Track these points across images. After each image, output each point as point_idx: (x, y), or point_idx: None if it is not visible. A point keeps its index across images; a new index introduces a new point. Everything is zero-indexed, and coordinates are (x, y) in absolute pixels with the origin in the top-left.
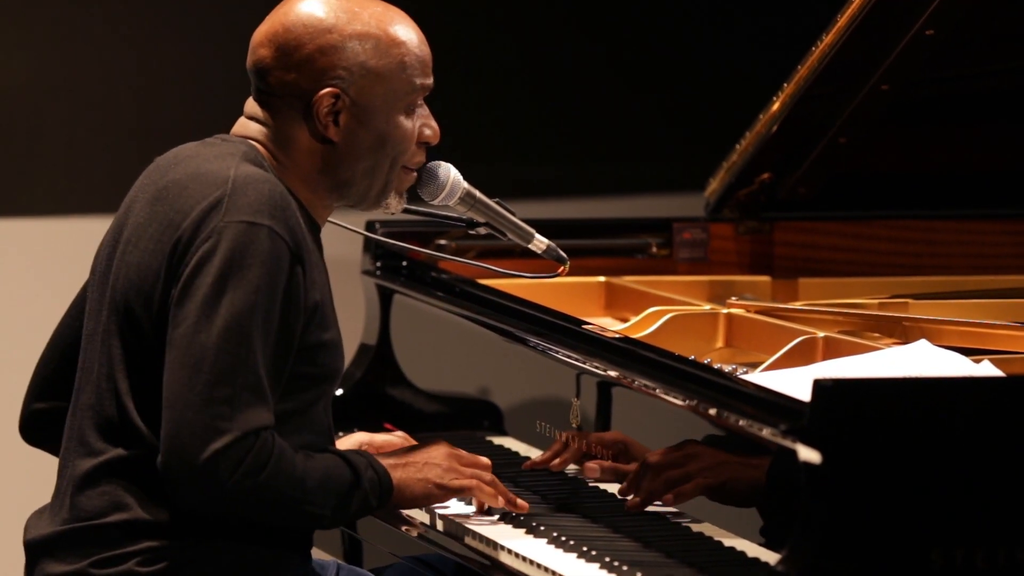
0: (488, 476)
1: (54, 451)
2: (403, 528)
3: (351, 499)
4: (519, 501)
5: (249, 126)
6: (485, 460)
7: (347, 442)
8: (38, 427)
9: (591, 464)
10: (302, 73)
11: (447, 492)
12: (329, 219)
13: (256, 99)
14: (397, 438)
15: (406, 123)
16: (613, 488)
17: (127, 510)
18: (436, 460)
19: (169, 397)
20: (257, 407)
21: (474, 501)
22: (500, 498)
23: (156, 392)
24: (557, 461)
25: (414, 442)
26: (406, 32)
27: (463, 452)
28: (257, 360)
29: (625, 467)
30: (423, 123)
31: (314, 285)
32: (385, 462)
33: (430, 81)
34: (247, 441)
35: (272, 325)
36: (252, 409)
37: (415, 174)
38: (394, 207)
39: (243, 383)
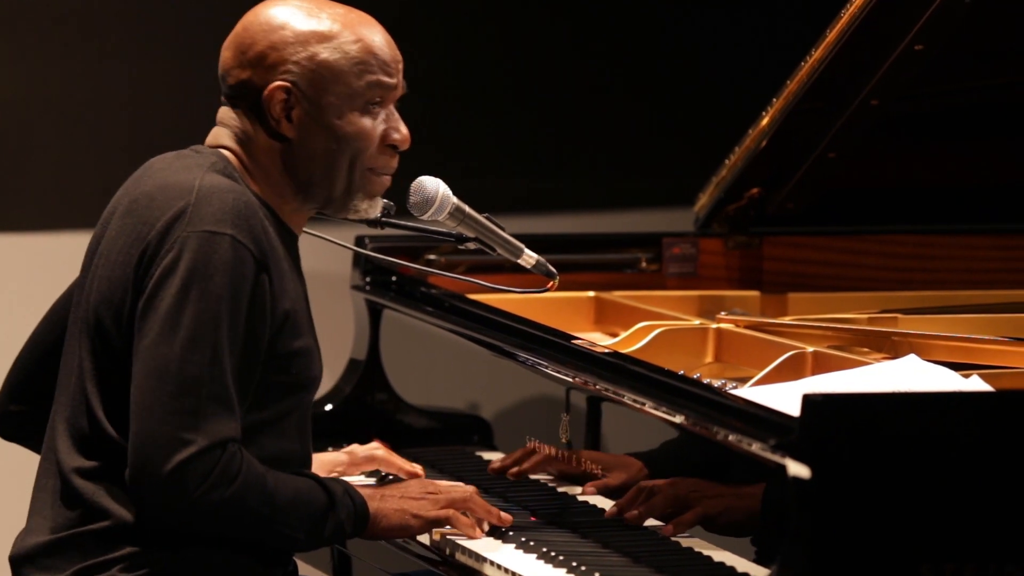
0: (464, 497)
1: (30, 447)
2: (392, 544)
3: (324, 522)
4: (503, 515)
5: (219, 133)
6: (465, 489)
7: (327, 458)
8: (12, 427)
9: (588, 487)
10: (255, 70)
11: (424, 523)
12: (319, 234)
13: (223, 103)
14: (377, 449)
15: (362, 121)
16: (603, 503)
17: (107, 518)
18: (412, 493)
19: (135, 408)
20: (223, 418)
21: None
22: (477, 529)
23: (127, 403)
24: (515, 470)
25: (392, 453)
26: (367, 32)
27: (440, 483)
28: (223, 370)
29: (617, 484)
30: (390, 126)
31: (284, 294)
32: (362, 492)
33: (393, 81)
34: (213, 453)
35: (238, 335)
36: (218, 420)
37: (387, 179)
38: (364, 211)
39: (208, 394)
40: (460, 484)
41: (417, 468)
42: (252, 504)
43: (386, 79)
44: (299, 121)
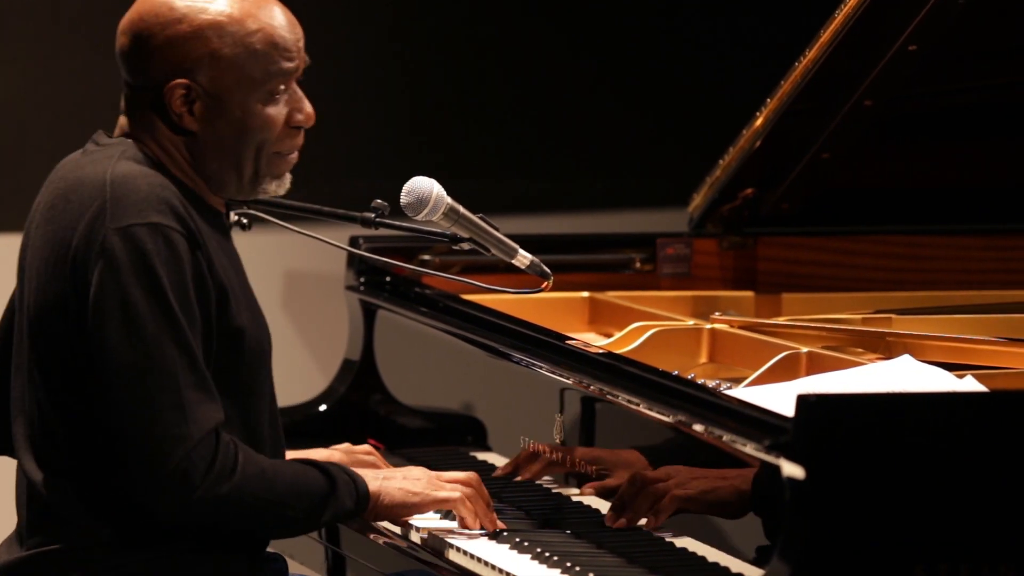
0: (469, 491)
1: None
2: (386, 544)
3: (326, 502)
4: (497, 522)
5: (126, 122)
6: (470, 473)
7: (323, 454)
8: None
9: (587, 488)
10: (153, 64)
11: (427, 500)
12: (313, 235)
13: (124, 88)
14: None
15: (267, 110)
16: (597, 504)
17: (75, 532)
18: (415, 474)
19: (118, 418)
20: (207, 403)
21: (456, 515)
22: (477, 520)
23: (83, 413)
24: (519, 478)
25: (380, 457)
26: (266, 16)
27: (443, 473)
28: (193, 357)
29: (615, 484)
30: (293, 107)
31: (218, 269)
32: (363, 474)
33: (294, 64)
34: (209, 442)
35: (194, 317)
36: (203, 407)
37: (294, 156)
38: (273, 191)
39: (186, 383)
40: (461, 472)
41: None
42: (255, 491)
43: (288, 65)
44: (201, 115)
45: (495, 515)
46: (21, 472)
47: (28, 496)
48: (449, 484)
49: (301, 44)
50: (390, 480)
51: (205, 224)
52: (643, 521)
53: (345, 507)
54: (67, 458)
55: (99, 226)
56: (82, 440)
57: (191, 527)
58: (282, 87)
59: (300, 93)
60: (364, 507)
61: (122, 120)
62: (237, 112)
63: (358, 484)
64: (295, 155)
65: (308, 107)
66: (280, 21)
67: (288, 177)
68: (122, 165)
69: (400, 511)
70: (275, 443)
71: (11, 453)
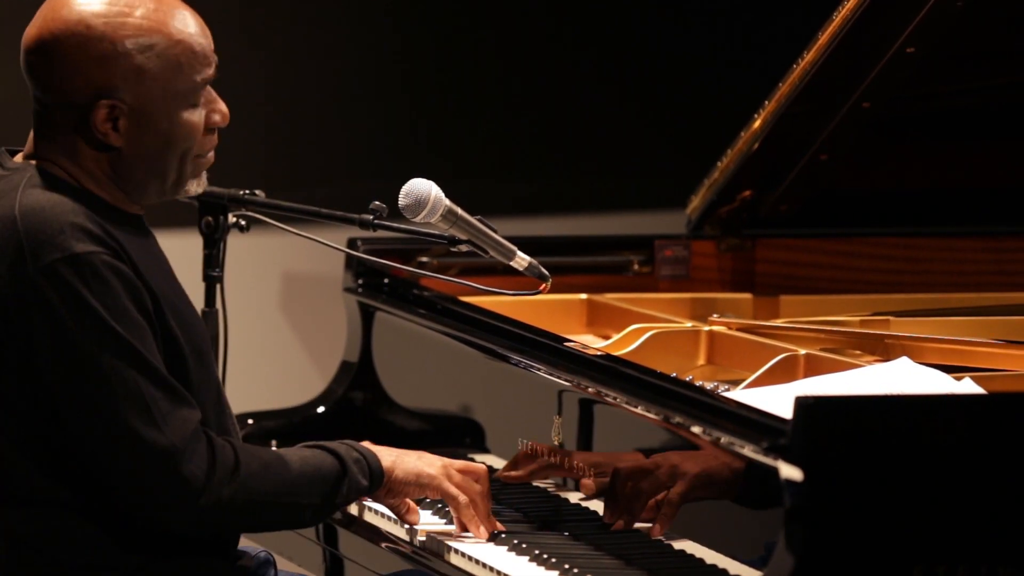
0: (478, 488)
1: None
2: (384, 545)
3: (339, 484)
4: (497, 524)
5: (37, 143)
6: (482, 466)
7: None
8: None
9: (587, 482)
10: (75, 84)
11: (439, 484)
12: (311, 237)
13: (35, 105)
14: None
15: (191, 117)
16: (595, 506)
17: (46, 561)
18: (430, 459)
19: (99, 453)
20: (179, 410)
21: (454, 517)
22: (480, 527)
23: (50, 450)
24: (518, 475)
25: None
26: (181, 26)
27: (455, 461)
28: (151, 367)
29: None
30: (209, 109)
31: (144, 274)
32: (376, 450)
33: (212, 71)
34: (197, 445)
35: (140, 328)
36: (176, 415)
37: (211, 155)
38: (193, 191)
39: (152, 396)
40: (475, 464)
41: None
42: (263, 486)
43: (209, 72)
44: (127, 130)
45: (495, 521)
46: None
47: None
48: (460, 479)
49: (212, 46)
50: (404, 457)
51: (124, 233)
52: (646, 527)
53: (359, 485)
54: (24, 492)
55: (21, 268)
56: (47, 474)
57: (206, 533)
58: (201, 93)
59: (214, 94)
60: (379, 483)
61: (32, 139)
62: (164, 124)
63: (369, 460)
64: (212, 155)
65: (223, 106)
66: (194, 28)
67: (205, 175)
68: (28, 196)
69: (413, 489)
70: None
71: None
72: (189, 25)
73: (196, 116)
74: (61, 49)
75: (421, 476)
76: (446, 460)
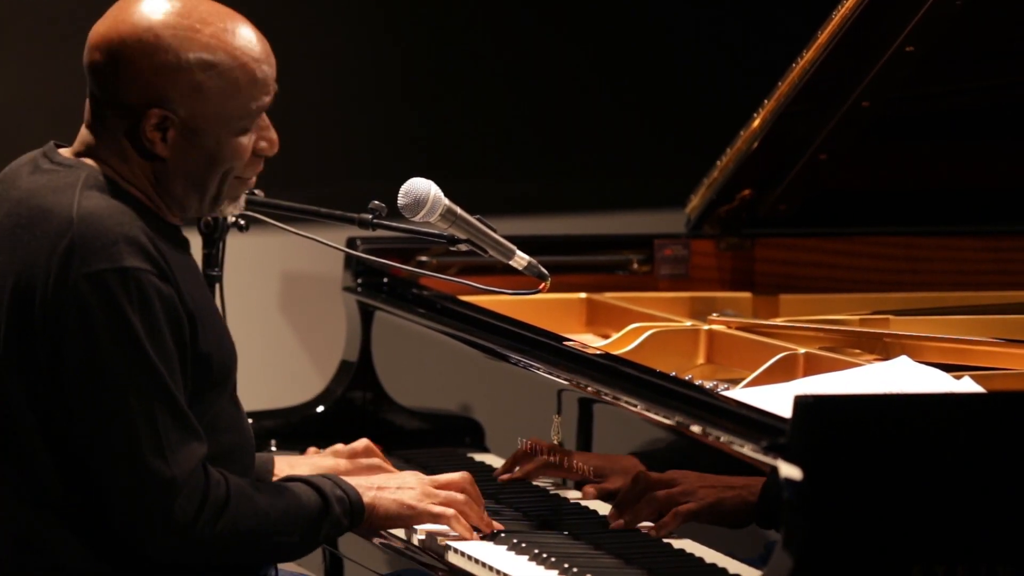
0: (461, 498)
1: None
2: (383, 545)
3: (320, 523)
4: (494, 523)
5: (90, 140)
6: (462, 474)
7: (325, 463)
8: None
9: (588, 488)
10: (132, 88)
11: (421, 514)
12: (310, 236)
13: (89, 101)
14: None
15: (240, 141)
16: (595, 505)
17: (52, 566)
18: (409, 483)
19: (101, 469)
20: (187, 443)
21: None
22: (472, 532)
23: (60, 452)
24: (516, 474)
25: (378, 453)
26: (248, 52)
27: (437, 477)
28: (172, 397)
29: (615, 487)
30: (260, 136)
31: (186, 296)
32: (357, 485)
33: (269, 99)
34: (196, 481)
35: (170, 355)
36: (184, 448)
37: (252, 180)
38: (228, 211)
39: (166, 426)
40: (455, 474)
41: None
42: (250, 524)
43: (266, 100)
44: (174, 142)
45: (489, 517)
46: None
47: (5, 529)
48: (443, 495)
49: (274, 73)
50: (384, 491)
51: (168, 247)
52: (647, 528)
53: (340, 525)
54: (46, 491)
55: (68, 270)
56: (62, 473)
57: (188, 566)
58: (255, 120)
59: (267, 121)
60: (359, 522)
61: (85, 134)
62: (211, 143)
63: (352, 499)
64: (254, 179)
65: (273, 135)
66: (259, 54)
67: (243, 199)
68: (88, 198)
69: (395, 523)
70: (245, 450)
71: None
72: (255, 51)
73: (245, 140)
74: (126, 52)
75: (403, 512)
76: (424, 478)
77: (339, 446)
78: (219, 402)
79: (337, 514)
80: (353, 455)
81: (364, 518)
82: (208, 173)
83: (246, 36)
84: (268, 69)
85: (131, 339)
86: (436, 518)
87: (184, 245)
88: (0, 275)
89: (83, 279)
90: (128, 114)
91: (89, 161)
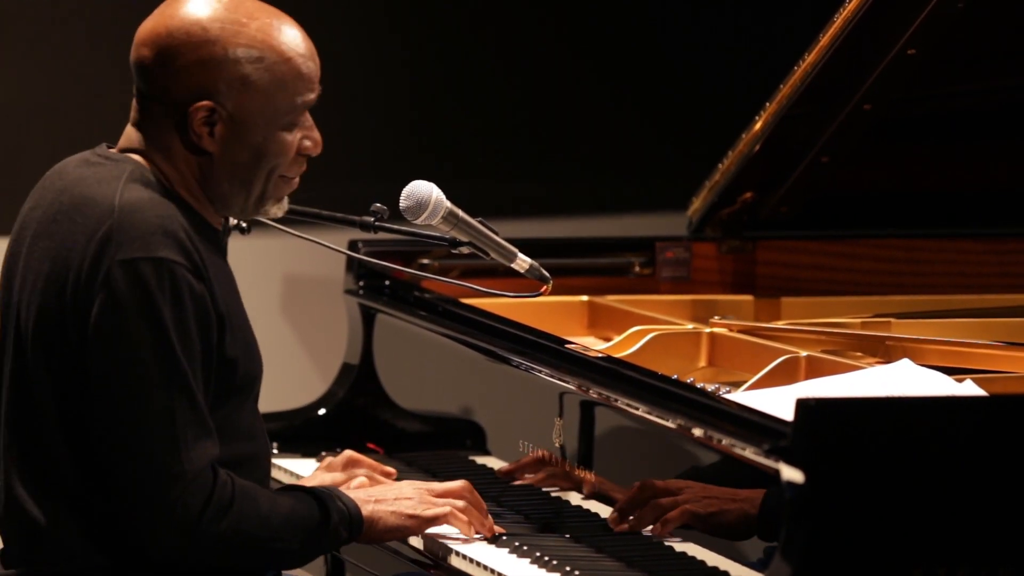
0: (460, 504)
1: None
2: (385, 548)
3: (320, 534)
4: (493, 527)
5: (132, 136)
6: (461, 483)
7: (327, 478)
8: None
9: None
10: (180, 82)
11: (421, 522)
12: (312, 239)
13: (136, 100)
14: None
15: (286, 138)
16: (596, 508)
17: (65, 558)
18: (407, 493)
19: (114, 455)
20: (202, 441)
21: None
22: (472, 528)
23: (79, 437)
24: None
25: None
26: (294, 47)
27: (433, 484)
28: (191, 393)
29: (612, 490)
30: (304, 135)
31: (219, 297)
32: (356, 498)
33: (314, 96)
34: (204, 480)
35: (194, 352)
36: (198, 445)
37: (296, 181)
38: (273, 213)
39: (183, 421)
40: (454, 484)
41: (390, 470)
42: (252, 528)
43: (311, 96)
44: (221, 137)
45: (491, 520)
46: (3, 492)
47: (13, 516)
48: (440, 499)
49: (319, 73)
50: (382, 504)
51: (206, 248)
52: (648, 528)
53: (340, 537)
54: (55, 482)
55: (104, 255)
56: (80, 462)
57: (186, 564)
58: (300, 116)
59: (311, 121)
60: (357, 535)
61: (131, 132)
62: (258, 138)
63: (351, 512)
64: (297, 180)
65: (317, 135)
66: (305, 50)
67: (287, 200)
68: (132, 190)
69: (395, 535)
70: (262, 459)
71: None
72: (300, 47)
73: (290, 137)
74: (173, 46)
75: (402, 523)
76: (422, 486)
77: (330, 460)
78: (241, 410)
79: (336, 525)
80: (345, 467)
81: (363, 530)
82: (255, 169)
83: (292, 32)
84: (313, 66)
85: (158, 328)
86: (435, 521)
87: (222, 249)
88: (39, 259)
89: (117, 265)
90: (176, 109)
91: (136, 157)
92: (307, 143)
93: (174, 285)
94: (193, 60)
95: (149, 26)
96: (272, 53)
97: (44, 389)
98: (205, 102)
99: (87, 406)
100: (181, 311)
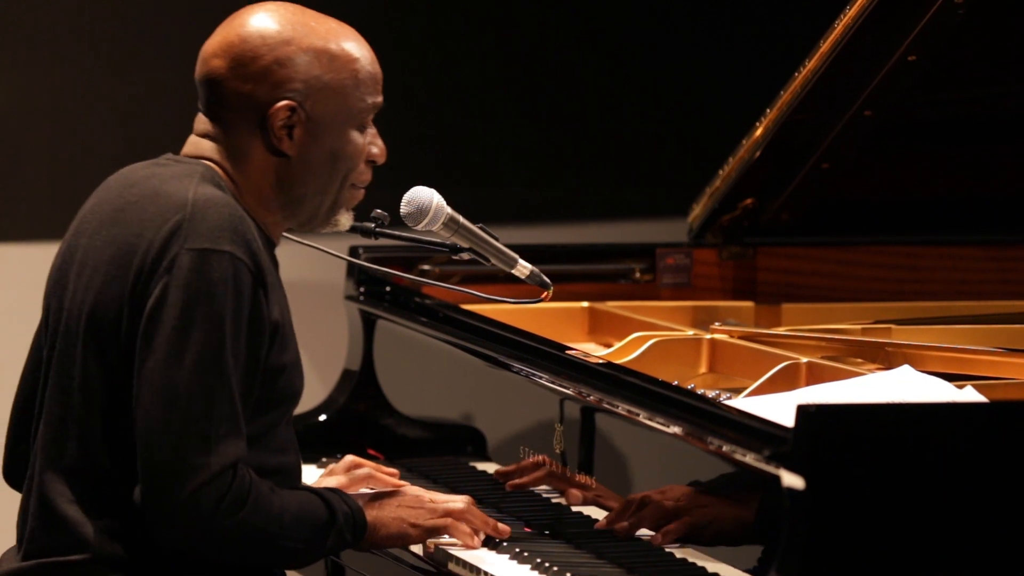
0: (461, 514)
1: None
2: (385, 554)
3: (326, 534)
4: (500, 526)
5: (202, 144)
6: (462, 498)
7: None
8: (23, 468)
9: (574, 491)
10: (258, 85)
11: (422, 531)
12: (312, 244)
13: (206, 113)
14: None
15: (358, 139)
16: (597, 514)
17: (88, 549)
18: (409, 502)
19: (143, 434)
20: (232, 439)
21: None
22: (476, 537)
23: (121, 427)
24: (516, 481)
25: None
26: (359, 49)
27: (436, 493)
28: (230, 390)
29: (609, 499)
30: (370, 141)
31: (275, 306)
32: (359, 502)
33: (380, 99)
34: (225, 476)
35: (240, 352)
36: (228, 442)
37: (363, 191)
38: (343, 224)
39: (218, 416)
40: (455, 496)
41: (393, 471)
42: (262, 525)
43: (378, 99)
44: (300, 139)
45: (496, 522)
46: (35, 485)
47: (41, 509)
48: (443, 508)
49: (382, 81)
50: (384, 509)
51: (268, 260)
52: (648, 537)
53: (344, 539)
54: (91, 470)
55: (173, 243)
56: (109, 454)
57: (192, 554)
58: (369, 120)
59: (375, 130)
60: (361, 537)
61: (199, 141)
62: (334, 139)
63: (356, 516)
64: (363, 191)
65: (382, 143)
66: (370, 54)
67: (352, 213)
68: (206, 188)
69: (397, 543)
70: (295, 473)
71: (14, 480)
72: (364, 50)
73: (361, 140)
74: (248, 50)
75: (403, 534)
76: (421, 493)
77: (333, 466)
78: (280, 423)
79: (342, 527)
80: (347, 472)
81: (365, 536)
82: (332, 172)
83: (355, 36)
84: (378, 69)
85: (214, 319)
86: (437, 532)
87: (276, 264)
88: (101, 247)
89: (184, 252)
90: (254, 113)
91: (205, 162)
92: (374, 150)
93: (237, 282)
94: (271, 60)
95: (217, 40)
96: (343, 54)
97: (94, 381)
98: (285, 102)
99: (128, 389)
100: (239, 308)
